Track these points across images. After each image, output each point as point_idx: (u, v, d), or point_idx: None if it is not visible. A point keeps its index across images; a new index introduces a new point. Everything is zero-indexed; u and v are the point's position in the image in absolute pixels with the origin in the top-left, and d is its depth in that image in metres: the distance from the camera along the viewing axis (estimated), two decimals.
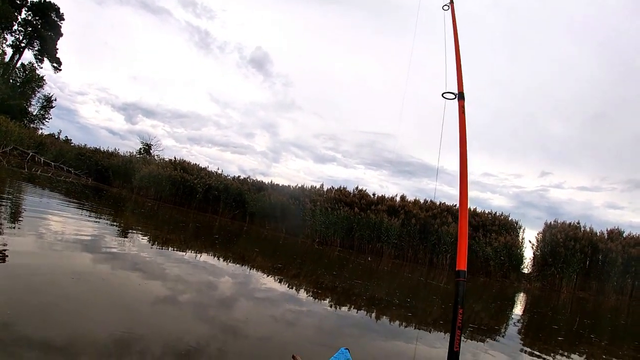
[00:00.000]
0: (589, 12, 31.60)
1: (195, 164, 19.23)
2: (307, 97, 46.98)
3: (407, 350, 3.26)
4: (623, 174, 27.21)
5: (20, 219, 5.34)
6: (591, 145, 30.97)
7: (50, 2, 33.44)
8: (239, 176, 19.01)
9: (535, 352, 3.94)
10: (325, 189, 16.59)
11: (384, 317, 4.48)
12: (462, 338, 3.84)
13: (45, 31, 32.81)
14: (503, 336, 4.68)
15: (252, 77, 47.49)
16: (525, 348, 4.11)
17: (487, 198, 28.70)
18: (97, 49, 53.51)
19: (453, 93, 2.11)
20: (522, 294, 11.37)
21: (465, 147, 2.01)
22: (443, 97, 2.13)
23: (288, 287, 5.11)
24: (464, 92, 2.15)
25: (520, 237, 14.66)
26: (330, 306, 4.43)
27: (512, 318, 6.59)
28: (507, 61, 35.01)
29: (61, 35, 33.90)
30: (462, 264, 1.72)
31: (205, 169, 18.89)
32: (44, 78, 33.16)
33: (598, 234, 14.15)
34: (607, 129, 30.40)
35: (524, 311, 7.98)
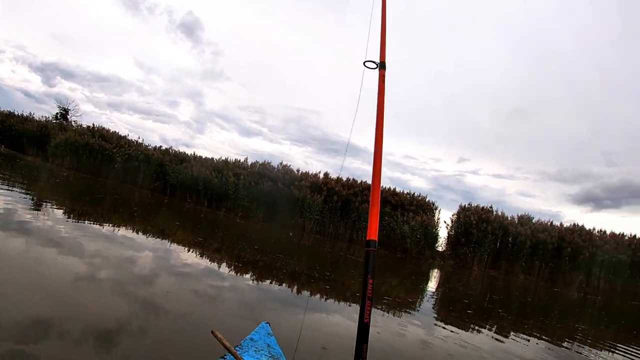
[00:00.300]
0: (517, 7, 33.35)
1: (115, 131, 18.19)
2: (236, 68, 45.21)
3: (326, 322, 3.34)
4: (537, 165, 29.42)
5: None
6: (509, 137, 33.21)
7: None
8: (160, 146, 18.31)
9: (448, 325, 4.10)
10: (249, 162, 16.40)
11: (305, 290, 4.54)
12: (379, 312, 4.10)
13: None
14: (417, 310, 4.84)
15: (181, 43, 44.82)
16: (439, 322, 4.28)
17: (407, 179, 29.97)
18: (16, 3, 48.52)
19: (375, 62, 2.05)
20: (436, 271, 12.00)
21: (382, 116, 1.95)
22: (364, 65, 2.06)
23: (209, 261, 5.06)
24: (386, 63, 2.10)
25: (436, 218, 15.42)
26: (252, 280, 4.43)
27: (427, 292, 6.90)
28: (438, 45, 36.15)
29: None
30: (372, 234, 1.63)
31: (125, 137, 17.92)
32: None
33: (509, 218, 15.11)
34: (524, 123, 32.66)
35: (437, 286, 8.38)
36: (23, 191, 7.47)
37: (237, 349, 1.85)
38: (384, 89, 2.01)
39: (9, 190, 6.93)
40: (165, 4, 45.08)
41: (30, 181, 9.84)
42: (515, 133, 33.05)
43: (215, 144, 38.73)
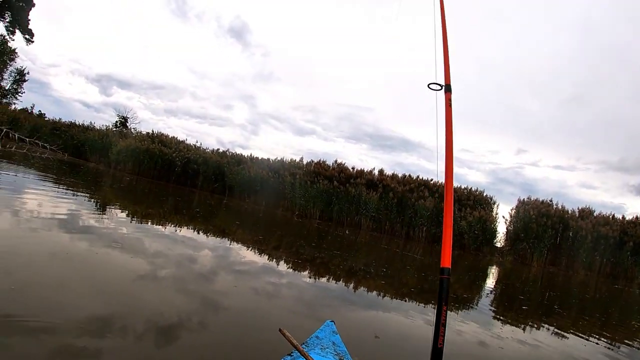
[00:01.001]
0: None
1: (174, 137, 18.91)
2: (286, 68, 45.75)
3: (385, 319, 3.35)
4: (597, 155, 27.90)
5: None
6: (567, 125, 31.52)
7: None
8: (218, 149, 18.87)
9: (506, 324, 4.07)
10: (304, 162, 16.63)
11: (362, 287, 4.57)
12: (434, 309, 4.00)
13: (16, 1, 31.38)
14: (475, 307, 4.80)
15: (231, 47, 45.96)
16: (496, 319, 4.24)
17: (464, 173, 29.19)
18: (69, 18, 51.12)
19: (439, 84, 1.95)
20: (494, 267, 11.70)
21: (452, 144, 1.87)
22: (429, 88, 1.96)
23: (268, 259, 5.13)
24: (451, 84, 1.98)
25: (494, 212, 15.06)
26: (310, 277, 4.46)
27: (484, 289, 6.79)
28: (488, 36, 35.08)
29: (33, 5, 32.44)
30: (446, 261, 1.63)
31: (183, 142, 18.63)
32: (16, 51, 31.78)
33: (570, 212, 14.61)
34: (582, 110, 30.92)
35: (495, 283, 8.19)
36: (90, 195, 7.94)
37: (303, 346, 1.87)
38: (451, 113, 1.89)
39: (75, 196, 7.32)
40: (212, 10, 46.44)
41: (95, 186, 10.43)
42: (573, 121, 31.23)
43: (270, 145, 39.41)
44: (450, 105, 1.91)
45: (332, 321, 2.24)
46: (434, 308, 3.93)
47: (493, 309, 5.00)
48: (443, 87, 1.95)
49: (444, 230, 1.64)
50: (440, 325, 1.49)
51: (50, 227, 4.01)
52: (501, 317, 4.42)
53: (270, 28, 46.13)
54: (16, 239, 3.31)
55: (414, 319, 3.47)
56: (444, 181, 1.81)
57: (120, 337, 1.91)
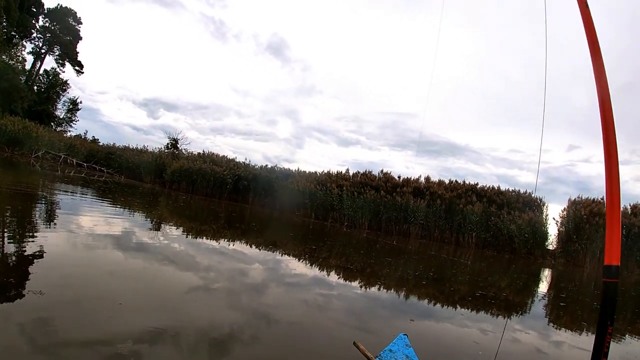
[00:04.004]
0: None
1: (224, 155, 20.00)
2: (326, 80, 46.40)
3: (438, 329, 3.31)
4: None
5: (57, 217, 5.54)
6: (618, 117, 30.00)
7: (66, 7, 34.37)
8: (266, 165, 19.77)
9: (561, 329, 4.02)
10: (351, 173, 17.19)
11: (412, 296, 4.53)
12: (488, 315, 4.06)
13: (64, 36, 33.81)
14: (527, 312, 4.75)
15: (270, 64, 47.50)
16: (550, 325, 4.16)
17: (514, 175, 28.25)
18: (113, 46, 54.04)
19: None
20: (546, 270, 11.56)
21: (607, 90, 1.39)
22: None
23: (319, 270, 5.18)
24: None
25: (545, 214, 14.94)
26: (360, 288, 4.44)
27: (536, 294, 6.68)
28: (525, 25, 33.96)
29: (80, 38, 34.90)
30: (614, 257, 1.19)
31: (233, 160, 19.66)
32: (68, 82, 34.24)
33: (622, 208, 14.35)
34: (635, 99, 29.34)
35: (548, 287, 8.04)
36: (148, 214, 8.43)
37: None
38: (590, 15, 1.28)
39: (136, 214, 7.93)
40: (250, 29, 48.13)
41: (153, 205, 11.03)
42: (625, 111, 29.93)
43: (315, 157, 40.15)
44: (587, 6, 1.27)
45: (405, 334, 2.20)
46: (493, 316, 4.15)
47: (546, 314, 4.89)
48: None
49: (607, 216, 1.31)
50: (602, 355, 1.10)
51: (108, 245, 4.18)
52: (554, 323, 4.30)
53: (308, 42, 46.98)
54: (76, 255, 3.48)
55: (470, 328, 3.36)
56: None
57: (173, 350, 1.95)
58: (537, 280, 8.87)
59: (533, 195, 15.09)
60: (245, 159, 20.22)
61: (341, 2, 45.23)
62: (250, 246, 6.37)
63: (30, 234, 3.99)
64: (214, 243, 5.87)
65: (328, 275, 4.91)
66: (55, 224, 4.92)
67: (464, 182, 15.82)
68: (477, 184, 15.47)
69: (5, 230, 4.05)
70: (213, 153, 20.03)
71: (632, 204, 14.67)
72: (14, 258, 3.00)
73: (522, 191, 15.42)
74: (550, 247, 14.95)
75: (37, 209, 6.01)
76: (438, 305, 4.32)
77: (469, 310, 4.19)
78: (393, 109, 43.20)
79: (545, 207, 15.16)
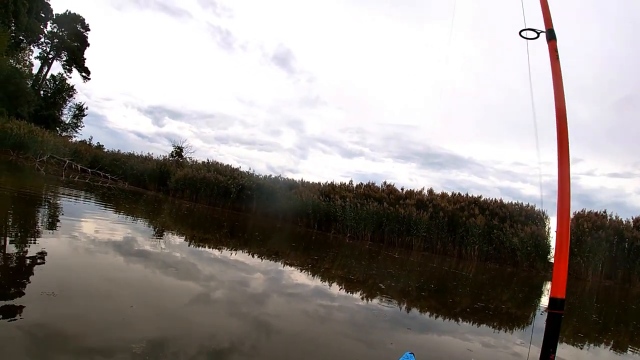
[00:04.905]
0: None
1: (228, 165, 20.17)
2: (331, 91, 46.66)
3: (440, 343, 3.34)
4: None
5: (60, 222, 5.59)
6: (620, 130, 29.81)
7: (75, 13, 34.83)
8: (270, 175, 19.92)
9: (564, 343, 3.97)
10: (354, 185, 17.32)
11: (414, 308, 4.56)
12: (490, 329, 4.02)
13: (71, 42, 34.21)
14: (529, 325, 4.72)
15: (276, 74, 47.79)
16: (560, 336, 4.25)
17: (518, 187, 28.20)
18: (120, 53, 54.45)
19: (536, 31, 1.52)
20: (548, 283, 11.41)
21: (565, 122, 1.49)
22: (521, 36, 1.57)
23: (320, 281, 5.20)
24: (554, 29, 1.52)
25: (547, 227, 14.98)
26: (362, 299, 4.46)
27: (538, 307, 6.61)
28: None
29: (88, 45, 35.33)
30: (559, 290, 1.25)
31: (237, 169, 19.82)
32: (74, 87, 34.61)
33: (624, 222, 14.43)
34: (635, 113, 29.26)
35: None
36: (151, 221, 8.60)
37: None
38: (559, 69, 1.43)
39: (136, 220, 8.01)
40: (256, 39, 48.53)
41: (156, 213, 11.22)
42: (626, 125, 29.80)
43: (319, 169, 40.17)
44: (557, 58, 1.44)
45: (411, 353, 2.13)
46: (498, 330, 4.10)
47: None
48: (543, 33, 1.49)
49: (556, 243, 1.35)
50: None
51: (110, 251, 4.22)
52: (562, 335, 4.20)
53: (314, 54, 47.29)
54: (78, 263, 3.51)
55: (471, 342, 3.39)
56: (556, 177, 1.56)
57: (174, 358, 1.97)
58: (539, 293, 8.91)
59: (540, 208, 15.13)
60: (249, 169, 20.47)
61: (346, 14, 45.65)
62: (253, 256, 6.40)
63: (33, 238, 4.08)
64: (216, 252, 5.93)
65: (330, 286, 4.93)
66: (59, 229, 5.01)
67: (467, 194, 15.92)
68: (480, 197, 15.57)
69: (9, 234, 4.12)
70: (217, 162, 20.26)
71: (634, 218, 14.72)
72: (20, 261, 3.11)
73: (524, 204, 15.49)
74: (552, 260, 14.97)
75: (42, 213, 6.15)
76: (440, 317, 4.36)
77: (470, 323, 4.24)
78: (396, 121, 43.36)
79: (547, 220, 15.25)
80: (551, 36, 1.48)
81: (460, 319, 4.35)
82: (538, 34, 1.52)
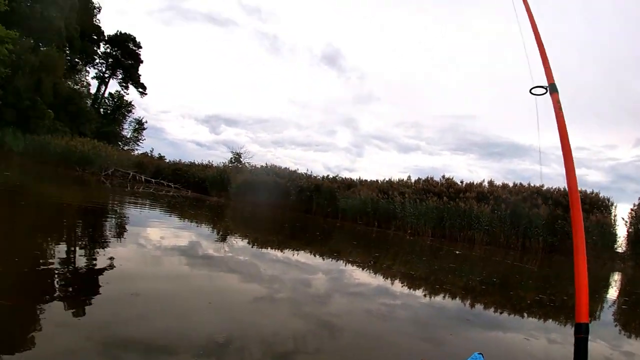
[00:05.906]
0: None
1: (286, 167, 21.17)
2: (383, 87, 46.36)
3: (507, 340, 3.23)
4: None
5: (128, 230, 5.88)
6: None
7: (125, 33, 37.32)
8: (328, 175, 20.63)
9: (633, 337, 3.93)
10: (412, 180, 17.69)
11: (478, 304, 4.42)
12: (556, 324, 3.93)
13: (125, 60, 36.72)
14: (596, 319, 4.49)
15: (326, 74, 48.14)
16: (621, 334, 3.97)
17: (582, 174, 26.11)
18: (173, 67, 56.15)
19: (542, 87, 1.75)
20: (616, 274, 11.30)
21: (571, 158, 1.65)
22: (531, 93, 1.77)
23: (382, 279, 5.19)
24: (556, 82, 1.75)
25: (613, 215, 14.58)
26: (425, 297, 4.42)
27: (607, 300, 6.40)
28: (583, 24, 31.65)
29: (141, 61, 37.77)
30: (583, 315, 1.28)
31: (295, 171, 20.80)
32: (132, 103, 37.13)
33: None
34: None
35: (618, 293, 7.66)
36: (215, 225, 8.93)
37: None
38: (563, 119, 1.65)
39: (205, 225, 8.47)
40: (303, 42, 49.25)
41: (220, 217, 11.82)
42: None
43: (376, 166, 40.04)
44: (561, 109, 1.66)
45: (480, 353, 2.06)
46: (559, 324, 3.95)
47: (614, 322, 4.63)
48: (547, 89, 1.73)
49: (575, 272, 1.36)
50: None
51: (177, 254, 4.34)
52: (626, 332, 4.15)
53: (362, 50, 47.07)
54: (145, 267, 3.65)
55: (537, 339, 3.25)
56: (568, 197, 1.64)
57: (237, 357, 2.00)
58: (606, 285, 8.57)
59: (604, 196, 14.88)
60: (307, 170, 21.34)
61: (392, 9, 45.28)
62: (314, 256, 6.49)
63: (105, 246, 4.29)
64: (278, 253, 5.99)
65: (392, 284, 4.91)
66: (128, 237, 5.30)
67: (528, 184, 15.80)
68: (542, 186, 15.40)
69: (78, 245, 4.31)
70: (275, 165, 21.39)
71: None
72: (99, 265, 3.31)
73: (588, 191, 15.17)
74: (620, 250, 14.64)
75: (111, 223, 6.40)
76: (505, 313, 4.26)
77: (537, 318, 4.16)
78: (451, 112, 42.38)
79: (614, 207, 14.83)
80: (553, 89, 1.71)
81: (525, 314, 4.27)
82: (546, 89, 1.73)
